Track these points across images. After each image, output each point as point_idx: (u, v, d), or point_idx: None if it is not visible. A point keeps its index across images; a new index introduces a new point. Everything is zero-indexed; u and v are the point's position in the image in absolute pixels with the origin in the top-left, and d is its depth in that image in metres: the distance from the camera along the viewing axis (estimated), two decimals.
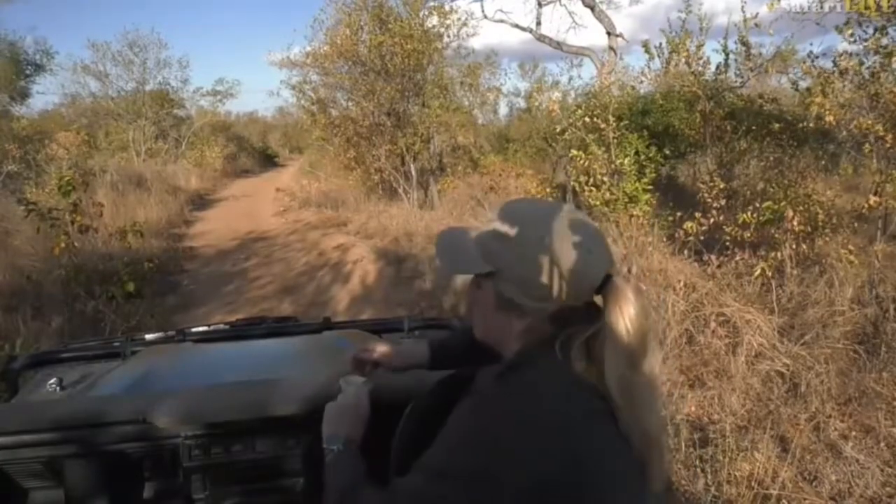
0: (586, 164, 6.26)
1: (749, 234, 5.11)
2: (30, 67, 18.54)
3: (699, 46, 8.88)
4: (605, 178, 6.11)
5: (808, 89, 6.15)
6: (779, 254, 4.76)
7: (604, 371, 0.85)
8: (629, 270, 4.64)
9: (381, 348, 1.34)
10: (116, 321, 5.05)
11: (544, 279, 0.88)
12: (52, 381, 1.57)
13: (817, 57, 5.95)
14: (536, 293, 0.90)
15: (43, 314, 4.86)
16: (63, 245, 5.60)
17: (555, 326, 0.90)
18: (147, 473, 1.41)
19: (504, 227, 0.93)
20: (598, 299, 0.91)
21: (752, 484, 2.63)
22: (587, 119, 6.53)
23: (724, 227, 5.24)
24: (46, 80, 20.29)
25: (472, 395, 0.91)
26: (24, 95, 18.31)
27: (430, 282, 6.09)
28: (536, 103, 14.19)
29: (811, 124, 6.30)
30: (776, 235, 5.02)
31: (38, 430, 1.26)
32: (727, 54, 7.81)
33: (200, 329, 2.01)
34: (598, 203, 6.07)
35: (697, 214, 5.31)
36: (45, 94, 26.19)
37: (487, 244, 0.94)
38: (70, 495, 1.33)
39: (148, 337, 1.91)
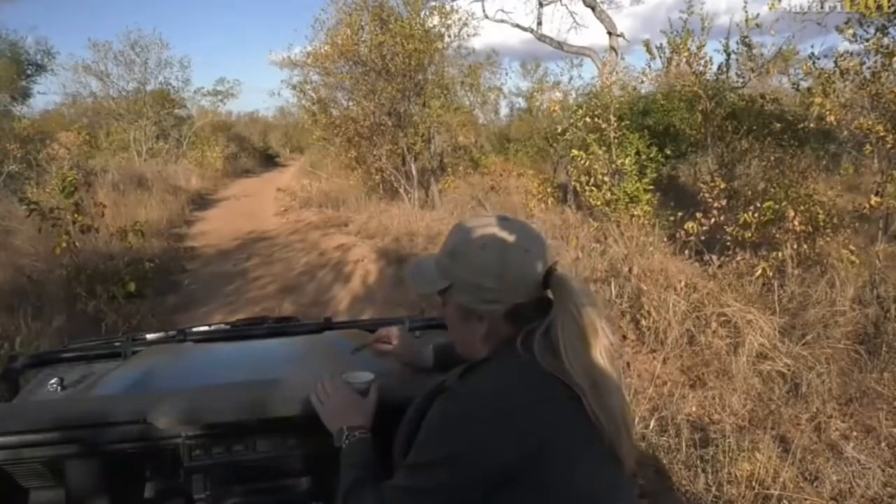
0: (587, 163, 6.26)
1: (750, 234, 5.11)
2: (31, 67, 18.55)
3: (700, 46, 8.87)
4: (606, 178, 6.12)
5: (809, 89, 6.14)
6: (780, 254, 4.76)
7: (563, 360, 0.92)
8: (630, 270, 4.64)
9: (394, 339, 1.45)
10: (117, 321, 5.05)
11: (490, 282, 0.99)
12: (53, 380, 1.56)
13: (819, 58, 5.95)
14: (486, 296, 1.00)
15: (44, 314, 4.86)
16: (64, 245, 5.61)
17: (513, 325, 1.00)
18: (148, 473, 1.41)
19: (452, 245, 1.05)
20: (549, 294, 1.00)
21: (753, 484, 2.63)
22: (588, 119, 6.53)
23: (725, 227, 5.24)
24: (47, 79, 20.34)
25: (443, 392, 1.00)
26: (25, 95, 18.32)
27: None
28: (537, 103, 14.19)
29: (812, 124, 6.30)
30: (777, 235, 5.02)
31: (39, 430, 1.26)
32: (729, 54, 7.81)
33: (201, 329, 2.00)
34: (598, 203, 6.07)
35: (698, 214, 5.31)
36: (46, 94, 26.25)
37: (442, 263, 1.06)
38: (71, 495, 1.33)
39: (149, 337, 1.91)
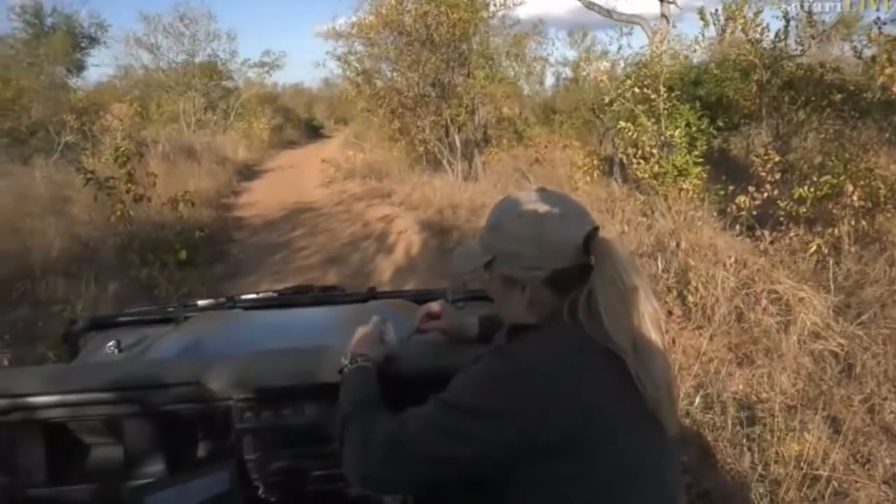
0: (635, 135, 6.10)
1: (805, 210, 4.92)
2: (85, 40, 19.11)
3: (757, 13, 8.46)
4: (655, 151, 5.96)
5: (873, 58, 5.82)
6: (836, 230, 4.58)
7: (605, 324, 0.93)
8: (677, 245, 4.54)
9: (438, 310, 1.45)
10: (169, 288, 5.21)
11: (528, 249, 1.01)
12: (110, 343, 1.63)
13: (884, 23, 5.61)
14: (526, 263, 1.01)
15: (100, 280, 5.05)
16: (119, 213, 5.79)
17: (556, 293, 1.01)
18: (200, 433, 1.46)
19: (493, 220, 1.08)
20: (592, 260, 1.00)
21: (802, 464, 2.57)
22: (637, 90, 6.35)
23: (779, 201, 5.06)
24: (101, 52, 20.93)
25: (490, 350, 1.04)
26: (79, 68, 18.93)
27: None
28: (584, 73, 13.86)
29: (876, 95, 5.99)
30: (834, 211, 4.82)
31: (98, 390, 1.32)
32: (787, 21, 7.46)
33: (250, 297, 2.06)
34: (646, 176, 5.93)
35: (750, 189, 5.13)
36: (99, 67, 27.17)
37: (484, 238, 1.09)
38: (129, 451, 1.39)
39: (200, 303, 1.97)
